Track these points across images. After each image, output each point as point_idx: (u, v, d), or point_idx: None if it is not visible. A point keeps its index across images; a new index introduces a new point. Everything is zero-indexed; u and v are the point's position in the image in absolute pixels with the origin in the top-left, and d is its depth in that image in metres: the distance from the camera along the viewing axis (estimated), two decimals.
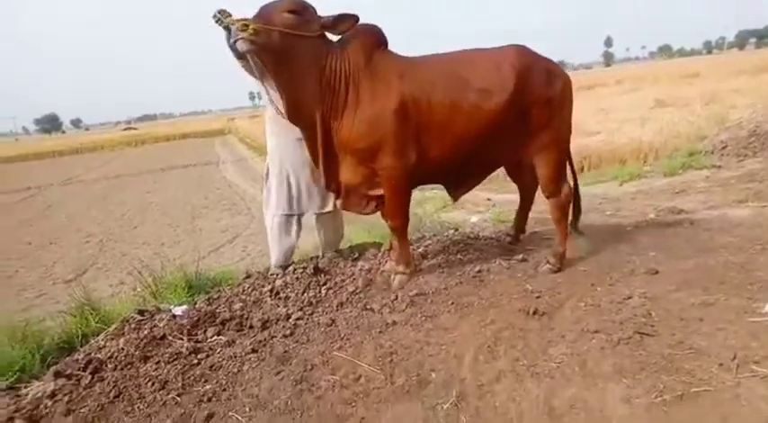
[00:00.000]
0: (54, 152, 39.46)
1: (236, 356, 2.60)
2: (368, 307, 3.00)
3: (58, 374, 2.57)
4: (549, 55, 3.37)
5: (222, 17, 2.88)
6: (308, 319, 2.96)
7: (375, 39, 3.10)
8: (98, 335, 3.12)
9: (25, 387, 2.60)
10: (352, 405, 2.15)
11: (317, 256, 3.90)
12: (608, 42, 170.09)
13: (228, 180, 15.74)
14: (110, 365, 2.64)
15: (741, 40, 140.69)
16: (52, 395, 2.41)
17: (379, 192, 3.16)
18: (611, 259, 3.36)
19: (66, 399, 2.38)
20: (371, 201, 3.25)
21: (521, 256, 3.52)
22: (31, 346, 3.01)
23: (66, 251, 9.21)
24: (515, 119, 3.11)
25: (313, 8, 2.95)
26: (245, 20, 2.78)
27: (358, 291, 3.20)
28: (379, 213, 3.41)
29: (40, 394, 2.44)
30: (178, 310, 3.17)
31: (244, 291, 3.44)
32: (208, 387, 2.38)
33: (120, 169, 23.20)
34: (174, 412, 2.22)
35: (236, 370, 2.49)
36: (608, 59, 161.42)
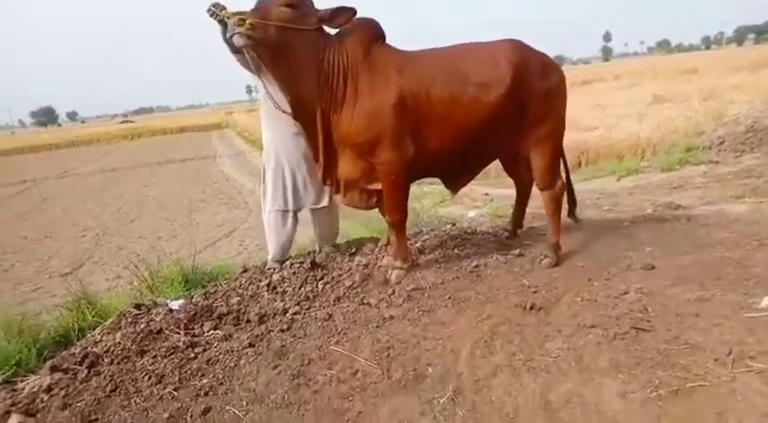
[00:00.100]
0: (50, 145, 39.35)
1: (233, 351, 2.60)
2: (365, 302, 3.00)
3: (54, 368, 2.57)
4: (547, 49, 3.39)
5: (217, 10, 2.87)
6: (305, 313, 2.96)
7: (373, 32, 3.09)
8: (94, 329, 3.12)
9: (21, 381, 2.60)
10: (349, 399, 2.15)
11: (315, 251, 3.90)
12: (606, 37, 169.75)
13: (226, 174, 15.72)
14: (106, 359, 2.63)
15: (740, 36, 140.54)
16: (48, 389, 2.41)
17: (379, 186, 3.16)
18: (607, 254, 3.36)
19: (62, 393, 2.38)
20: (372, 195, 3.24)
21: (518, 252, 3.52)
22: (27, 339, 3.00)
23: (62, 245, 9.20)
24: (512, 112, 3.13)
25: (310, 1, 2.93)
26: (242, 13, 2.76)
27: (355, 285, 3.20)
28: (376, 208, 3.42)
29: (36, 388, 2.44)
30: (175, 305, 3.17)
31: (241, 285, 3.44)
32: (205, 381, 2.38)
33: (116, 162, 23.13)
34: (171, 406, 2.22)
35: (233, 364, 2.49)
36: (606, 54, 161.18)
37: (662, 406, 1.86)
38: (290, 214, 3.64)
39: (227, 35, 2.84)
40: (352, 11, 2.91)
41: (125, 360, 2.62)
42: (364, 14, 3.00)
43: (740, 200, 4.71)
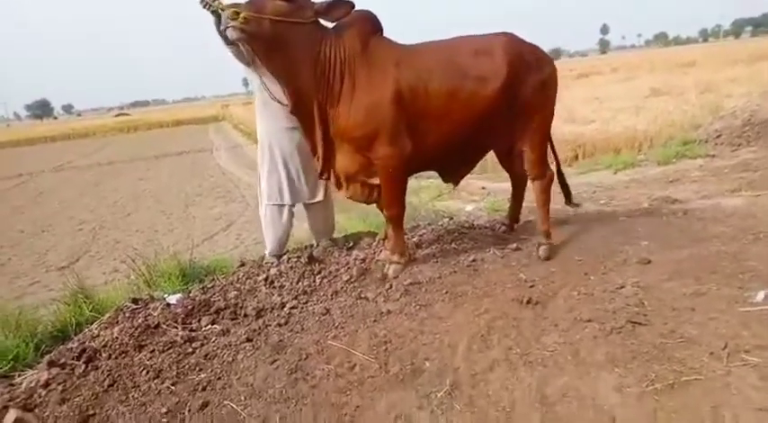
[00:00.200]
0: (46, 138, 39.19)
1: (230, 345, 2.60)
2: (362, 296, 3.00)
3: (51, 363, 2.57)
4: (544, 42, 3.43)
5: (210, 1, 2.83)
6: (302, 307, 2.96)
7: (371, 25, 3.07)
8: (92, 323, 3.12)
9: (19, 376, 2.61)
10: (346, 394, 2.16)
11: (312, 245, 3.90)
12: (604, 30, 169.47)
13: (222, 167, 15.67)
14: (104, 354, 2.64)
15: (737, 29, 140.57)
16: (46, 384, 2.41)
17: (377, 180, 3.16)
18: (604, 248, 3.37)
19: (60, 388, 2.38)
20: (373, 189, 3.24)
21: (515, 246, 3.53)
22: (24, 334, 3.00)
23: (58, 238, 9.17)
24: (508, 105, 3.15)
25: None
26: (236, 5, 2.74)
27: (352, 280, 3.21)
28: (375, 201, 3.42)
29: (33, 383, 2.44)
30: (172, 299, 3.17)
31: (238, 279, 3.44)
32: (202, 376, 2.38)
33: (112, 156, 23.04)
34: (169, 401, 2.23)
35: (230, 359, 2.49)
36: (604, 47, 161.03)
37: (658, 400, 1.87)
38: (286, 208, 3.63)
39: (221, 28, 2.82)
40: (350, 4, 2.90)
41: (123, 355, 2.62)
42: (360, 6, 2.98)
43: (736, 194, 4.72)
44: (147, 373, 2.43)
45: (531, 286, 2.87)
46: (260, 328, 2.77)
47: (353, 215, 5.56)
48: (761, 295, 2.41)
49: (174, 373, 2.42)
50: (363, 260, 3.45)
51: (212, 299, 3.15)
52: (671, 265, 2.95)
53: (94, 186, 15.03)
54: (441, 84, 3.02)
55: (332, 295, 3.07)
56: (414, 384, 2.16)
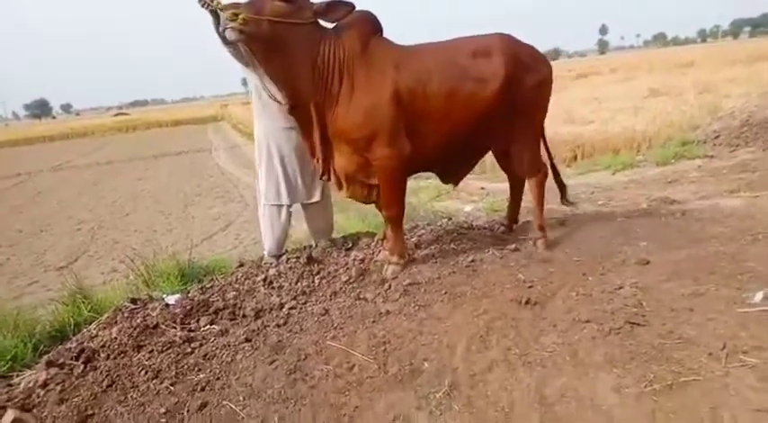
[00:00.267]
0: (44, 137, 39.12)
1: (229, 346, 2.60)
2: (361, 296, 3.00)
3: (50, 363, 2.57)
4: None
5: (209, 1, 2.83)
6: (301, 308, 2.96)
7: (371, 26, 3.08)
8: (90, 323, 3.12)
9: (17, 376, 2.60)
10: (345, 394, 2.16)
11: (311, 246, 3.90)
12: (603, 30, 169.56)
13: (221, 167, 15.64)
14: (102, 354, 2.63)
15: (735, 29, 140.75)
16: (44, 384, 2.41)
17: (376, 181, 3.16)
18: (603, 249, 3.37)
19: (58, 388, 2.38)
20: (372, 189, 3.25)
21: (513, 246, 3.53)
22: (22, 334, 3.00)
23: (57, 238, 9.15)
24: (506, 105, 3.17)
25: None
26: (235, 6, 2.74)
27: (351, 280, 3.21)
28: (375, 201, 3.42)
29: (32, 383, 2.44)
30: (171, 299, 3.17)
31: (237, 280, 3.44)
32: (201, 376, 2.38)
33: (111, 155, 23.00)
34: (168, 401, 2.23)
35: (229, 359, 2.49)
36: (602, 47, 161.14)
37: (656, 400, 1.87)
38: (284, 209, 3.63)
39: (220, 29, 2.81)
40: (350, 5, 2.90)
41: (121, 355, 2.62)
42: (360, 7, 2.98)
43: (735, 194, 4.73)
44: (146, 373, 2.43)
45: (530, 287, 2.87)
46: (259, 328, 2.76)
47: (352, 215, 5.56)
48: (759, 296, 2.41)
49: (173, 373, 2.42)
50: (362, 261, 3.45)
51: (211, 299, 3.15)
52: (669, 266, 2.95)
53: (93, 186, 15.01)
54: (440, 85, 3.03)
55: (331, 296, 3.07)
56: (412, 385, 2.16)
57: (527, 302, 2.65)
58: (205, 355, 2.54)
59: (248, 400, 2.19)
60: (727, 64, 21.43)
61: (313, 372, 2.32)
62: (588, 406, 1.91)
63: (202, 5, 2.87)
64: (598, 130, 9.68)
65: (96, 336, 2.85)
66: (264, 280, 3.34)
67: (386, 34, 3.15)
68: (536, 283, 2.91)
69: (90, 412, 2.21)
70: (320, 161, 3.18)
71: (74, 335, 3.04)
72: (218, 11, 2.79)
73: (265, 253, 3.75)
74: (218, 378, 2.36)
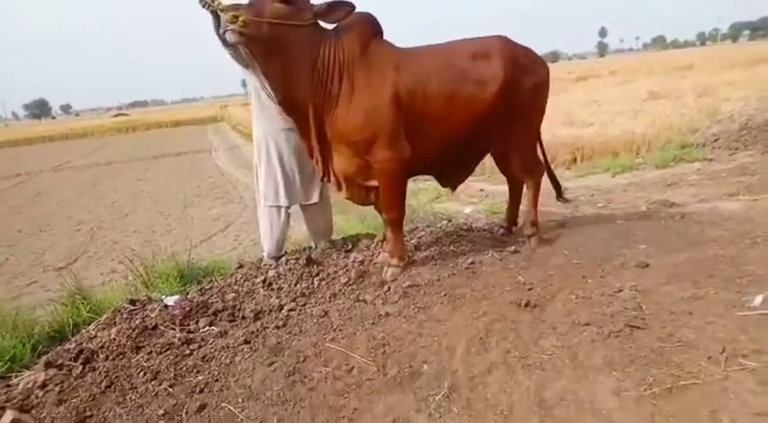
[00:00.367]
0: (44, 138, 39.10)
1: (228, 347, 2.60)
2: (361, 298, 3.00)
3: (48, 364, 2.57)
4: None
5: (209, 1, 2.83)
6: (300, 310, 2.96)
7: (371, 28, 3.08)
8: (89, 324, 3.11)
9: (16, 376, 2.60)
10: (344, 396, 2.16)
11: (310, 247, 3.90)
12: (602, 33, 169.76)
13: (221, 168, 15.63)
14: (101, 355, 2.63)
15: (735, 32, 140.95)
16: (43, 385, 2.41)
17: (375, 183, 3.16)
18: (602, 252, 3.37)
19: (57, 389, 2.38)
20: (370, 191, 3.25)
21: (513, 248, 3.53)
22: (21, 335, 3.00)
23: (56, 239, 9.14)
24: (505, 107, 3.19)
25: None
26: (235, 7, 2.74)
27: (351, 282, 3.20)
28: (374, 203, 3.42)
29: (30, 384, 2.44)
30: (170, 300, 3.17)
31: (236, 281, 3.43)
32: (200, 378, 2.38)
33: (110, 156, 22.98)
34: (166, 403, 2.23)
35: (228, 361, 2.49)
36: (602, 50, 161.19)
37: (656, 404, 1.87)
38: (283, 210, 3.63)
39: (220, 31, 2.81)
40: (350, 6, 2.90)
41: (120, 356, 2.62)
42: (360, 7, 2.98)
43: (734, 197, 4.74)
44: (145, 374, 2.43)
45: (530, 289, 2.87)
46: (258, 330, 2.76)
47: (352, 217, 5.56)
48: (758, 299, 2.41)
49: (172, 374, 2.42)
50: (362, 262, 3.44)
51: (210, 300, 3.15)
52: (669, 269, 2.95)
53: (93, 186, 14.99)
54: (440, 87, 3.04)
55: (330, 297, 3.07)
56: (412, 387, 2.16)
57: (526, 305, 2.65)
58: (204, 357, 2.54)
59: (247, 401, 2.19)
60: (727, 67, 21.46)
61: (312, 374, 2.32)
62: (588, 409, 1.91)
63: (203, 6, 2.87)
64: (597, 133, 9.68)
65: (95, 337, 2.85)
66: (264, 281, 3.34)
67: (385, 36, 3.15)
68: (535, 286, 2.90)
69: (88, 413, 2.21)
70: (319, 163, 3.18)
71: (73, 336, 3.04)
72: (219, 12, 2.79)
73: (264, 254, 3.75)
74: (216, 380, 2.36)
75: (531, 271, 3.15)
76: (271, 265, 3.57)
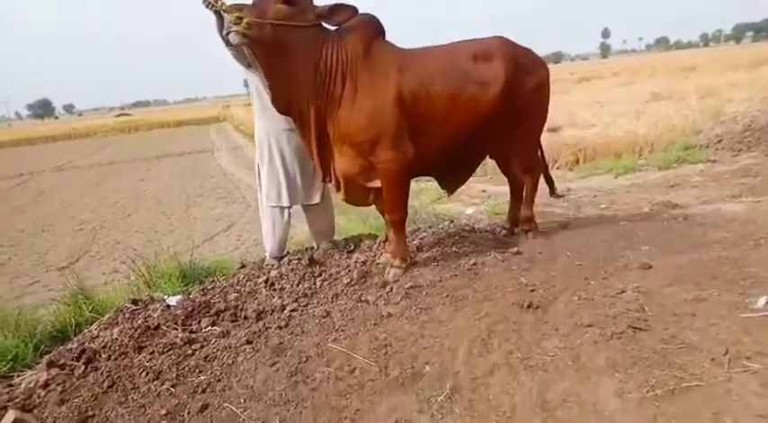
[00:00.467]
0: (47, 137, 39.20)
1: (230, 347, 2.60)
2: (363, 299, 3.00)
3: (51, 364, 2.57)
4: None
5: (213, 1, 2.83)
6: (302, 310, 2.96)
7: (373, 29, 3.08)
8: (91, 324, 3.12)
9: (18, 376, 2.60)
10: (346, 397, 2.15)
11: (312, 248, 3.90)
12: (605, 34, 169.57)
13: (223, 168, 15.65)
14: (103, 355, 2.63)
15: (738, 34, 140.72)
16: (45, 385, 2.41)
17: (376, 184, 3.16)
18: (605, 253, 3.36)
19: (59, 388, 2.38)
20: (370, 192, 3.25)
21: (515, 249, 3.52)
22: (23, 334, 3.00)
23: (59, 238, 9.16)
24: (507, 107, 3.20)
25: None
26: (238, 8, 2.74)
27: (353, 283, 3.20)
28: (373, 205, 3.42)
29: (33, 384, 2.44)
30: (172, 300, 3.17)
31: (238, 281, 3.44)
32: (202, 378, 2.38)
33: (113, 156, 23.03)
34: (169, 403, 2.23)
35: (230, 361, 2.49)
36: (605, 51, 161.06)
37: (658, 405, 1.86)
38: (286, 211, 3.64)
39: (224, 32, 2.82)
40: (352, 9, 2.91)
41: (122, 356, 2.62)
42: (360, 7, 2.99)
43: (737, 199, 4.73)
44: (147, 374, 2.43)
45: (532, 290, 2.87)
46: (260, 330, 2.76)
47: (354, 217, 5.56)
48: (762, 301, 2.40)
49: (174, 374, 2.42)
50: (364, 263, 3.44)
51: (212, 300, 3.15)
52: (672, 271, 2.94)
53: (95, 186, 15.02)
54: (442, 88, 3.05)
55: (332, 298, 3.07)
56: (414, 388, 2.15)
57: (529, 306, 2.64)
58: (206, 357, 2.54)
59: (249, 402, 2.19)
60: (730, 68, 21.42)
61: (314, 374, 2.31)
62: (590, 411, 1.90)
63: (206, 6, 2.87)
64: (600, 134, 9.66)
65: (97, 336, 2.85)
66: (266, 281, 3.34)
67: (387, 37, 3.15)
68: (538, 287, 2.90)
69: (90, 413, 2.21)
70: (319, 163, 3.18)
71: (75, 335, 3.05)
72: (222, 12, 2.79)
73: (267, 254, 3.75)
74: (219, 380, 2.36)
75: (533, 272, 3.15)
76: (273, 266, 3.57)
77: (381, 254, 3.50)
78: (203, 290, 3.39)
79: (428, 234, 4.00)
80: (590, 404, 1.93)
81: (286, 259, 3.62)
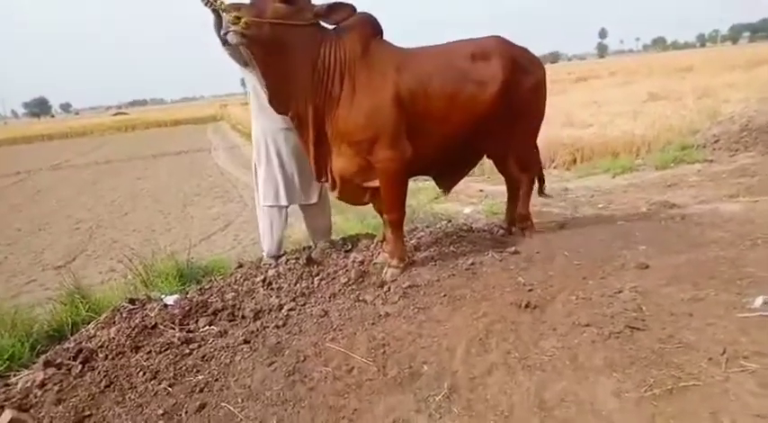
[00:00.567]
0: (43, 136, 39.13)
1: (228, 347, 2.59)
2: (361, 298, 2.99)
3: (47, 363, 2.56)
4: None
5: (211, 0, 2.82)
6: (300, 309, 2.95)
7: (371, 28, 3.08)
8: (88, 323, 3.11)
9: (14, 376, 2.59)
10: (344, 396, 2.15)
11: (310, 247, 3.89)
12: (602, 34, 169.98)
13: (221, 167, 15.63)
14: (100, 355, 2.63)
15: (735, 34, 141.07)
16: (42, 384, 2.41)
17: (374, 183, 3.15)
18: (602, 253, 3.36)
19: (56, 388, 2.37)
20: (366, 192, 3.25)
21: (513, 249, 3.52)
22: (20, 333, 3.00)
23: (55, 237, 9.13)
24: (505, 107, 3.20)
25: None
26: (237, 8, 2.73)
27: (351, 282, 3.20)
28: (370, 204, 3.42)
29: (29, 383, 2.43)
30: (169, 300, 3.16)
31: (236, 281, 3.43)
32: (200, 377, 2.37)
33: (110, 155, 22.98)
34: (166, 402, 2.22)
35: (228, 360, 2.49)
36: (602, 51, 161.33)
37: (656, 405, 1.86)
38: (283, 210, 3.63)
39: (222, 32, 2.81)
40: (351, 8, 2.90)
41: (119, 355, 2.61)
42: (359, 7, 2.98)
43: (734, 199, 4.74)
44: (144, 374, 2.43)
45: (530, 290, 2.86)
46: (258, 329, 2.76)
47: (351, 216, 5.56)
48: (759, 301, 2.40)
49: (171, 374, 2.41)
50: (362, 262, 3.44)
51: (210, 300, 3.14)
52: (669, 270, 2.94)
53: (92, 185, 14.98)
54: (441, 87, 3.05)
55: (330, 297, 3.06)
56: (412, 388, 2.15)
57: (527, 306, 2.64)
58: (204, 357, 2.53)
59: (247, 401, 2.18)
60: (727, 69, 21.47)
61: (312, 374, 2.31)
62: (588, 410, 1.90)
63: (205, 4, 2.86)
64: (597, 134, 9.68)
65: (94, 336, 2.84)
66: (263, 281, 3.33)
67: (385, 36, 3.15)
68: (536, 287, 2.90)
69: (87, 413, 2.21)
70: (314, 163, 3.17)
71: (72, 335, 3.04)
72: (220, 11, 2.78)
73: (264, 254, 3.74)
74: (216, 379, 2.35)
75: (531, 272, 3.14)
76: (270, 265, 3.56)
77: (379, 253, 3.49)
78: (200, 289, 3.38)
79: (426, 234, 3.99)
80: (588, 404, 1.93)
81: (283, 259, 3.61)
